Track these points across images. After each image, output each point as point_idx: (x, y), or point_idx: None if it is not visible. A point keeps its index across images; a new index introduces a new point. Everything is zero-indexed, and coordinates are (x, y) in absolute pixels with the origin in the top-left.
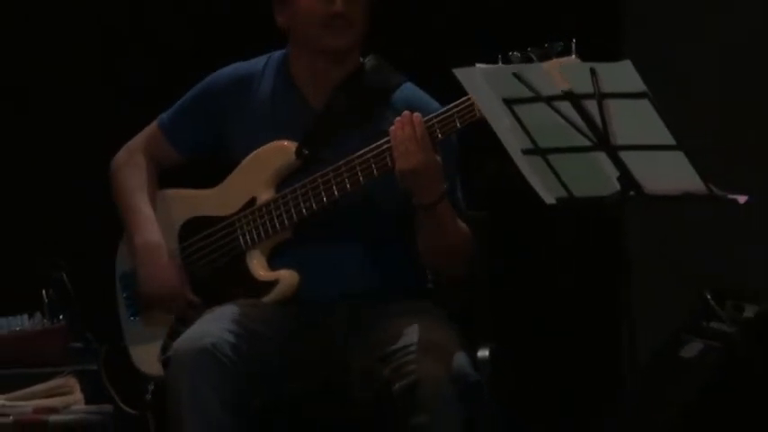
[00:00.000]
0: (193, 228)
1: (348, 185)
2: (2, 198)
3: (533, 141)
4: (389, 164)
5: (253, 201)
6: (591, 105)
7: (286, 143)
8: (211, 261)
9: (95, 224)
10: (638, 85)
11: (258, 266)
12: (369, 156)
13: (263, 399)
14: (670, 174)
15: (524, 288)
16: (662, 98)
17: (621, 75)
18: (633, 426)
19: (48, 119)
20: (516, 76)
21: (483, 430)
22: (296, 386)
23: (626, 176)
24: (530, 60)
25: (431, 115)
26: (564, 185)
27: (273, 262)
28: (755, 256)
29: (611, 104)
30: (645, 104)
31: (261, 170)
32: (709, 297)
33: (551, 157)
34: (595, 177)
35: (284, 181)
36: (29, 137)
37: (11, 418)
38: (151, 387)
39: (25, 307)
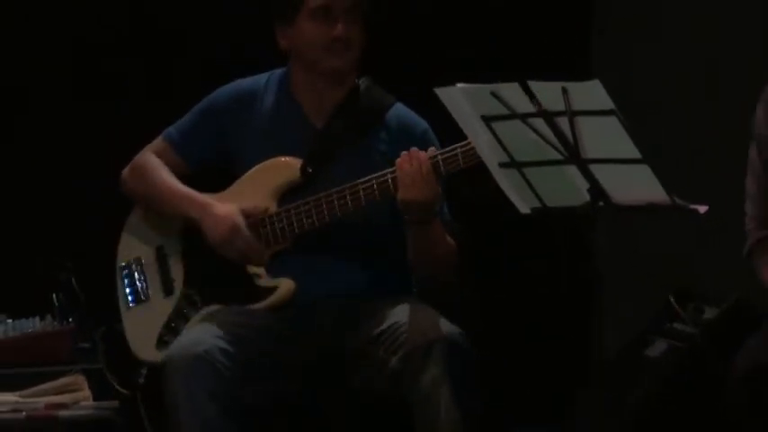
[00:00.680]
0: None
1: (351, 207)
2: (10, 202)
3: (510, 156)
4: (392, 191)
5: None
6: (563, 122)
7: (292, 160)
8: (215, 261)
9: (97, 223)
10: (606, 103)
11: (258, 273)
12: (373, 182)
13: (260, 400)
14: (636, 185)
15: (501, 293)
16: (629, 115)
17: (591, 93)
18: (601, 418)
19: (48, 120)
20: (494, 94)
21: (472, 388)
22: (293, 386)
23: (595, 188)
24: None
25: (438, 152)
26: (538, 197)
27: (269, 268)
28: (715, 262)
29: (582, 121)
30: (613, 121)
31: (266, 182)
32: (672, 300)
33: (526, 171)
34: (567, 189)
35: (285, 195)
36: (29, 138)
37: (24, 413)
38: (144, 371)
39: (37, 310)
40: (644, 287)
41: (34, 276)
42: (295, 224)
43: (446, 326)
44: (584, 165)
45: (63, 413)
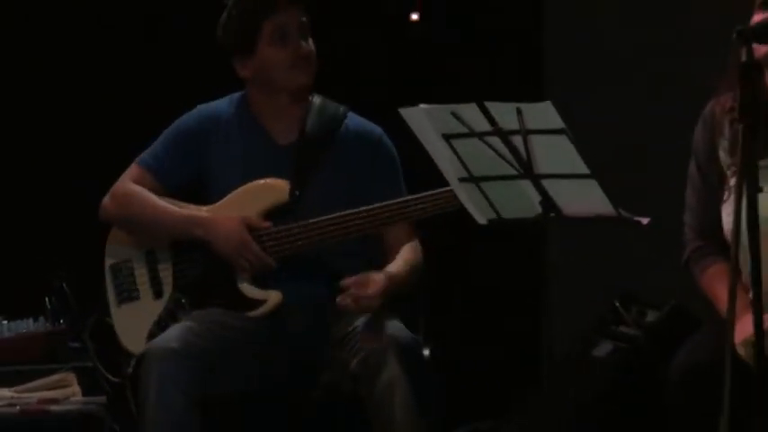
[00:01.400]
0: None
1: (338, 236)
2: (4, 210)
3: (468, 171)
4: (375, 226)
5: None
6: (517, 140)
7: (281, 182)
8: (203, 270)
9: (92, 225)
10: (556, 122)
11: (247, 286)
12: (362, 218)
13: (228, 398)
14: (585, 199)
15: (458, 297)
16: (578, 133)
17: (543, 114)
18: (550, 413)
19: (45, 122)
20: (453, 114)
21: (426, 388)
22: (266, 384)
23: (547, 201)
24: None
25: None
26: (494, 209)
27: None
28: (657, 269)
29: (534, 139)
30: (563, 139)
31: (256, 202)
32: (617, 304)
33: (483, 185)
34: (521, 201)
35: (272, 215)
36: (25, 142)
37: (18, 407)
38: (133, 362)
39: (31, 312)
40: (591, 292)
41: (29, 281)
42: (285, 245)
43: (400, 331)
44: (536, 179)
45: (54, 408)
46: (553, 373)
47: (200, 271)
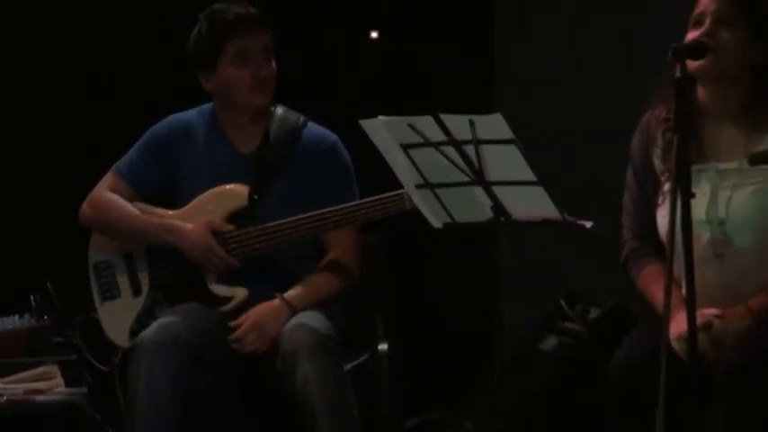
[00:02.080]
0: None
1: (293, 239)
2: None
3: (424, 178)
4: (327, 229)
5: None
6: (469, 149)
7: (241, 187)
8: (175, 272)
9: (75, 227)
10: (506, 133)
11: (215, 284)
12: (316, 221)
13: (210, 385)
14: (532, 204)
15: (415, 296)
16: (527, 142)
17: (494, 125)
18: (500, 402)
19: (33, 124)
20: (410, 126)
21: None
22: (235, 376)
23: (498, 206)
24: None
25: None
26: (449, 213)
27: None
28: (599, 268)
29: (486, 149)
30: (512, 149)
31: (218, 206)
32: (562, 302)
33: (438, 191)
34: (473, 206)
35: (233, 218)
36: (16, 142)
37: (4, 398)
38: (120, 353)
39: (16, 309)
40: (538, 291)
41: (15, 280)
42: (248, 247)
43: (313, 331)
44: (487, 186)
45: (39, 398)
46: (503, 366)
47: (173, 272)
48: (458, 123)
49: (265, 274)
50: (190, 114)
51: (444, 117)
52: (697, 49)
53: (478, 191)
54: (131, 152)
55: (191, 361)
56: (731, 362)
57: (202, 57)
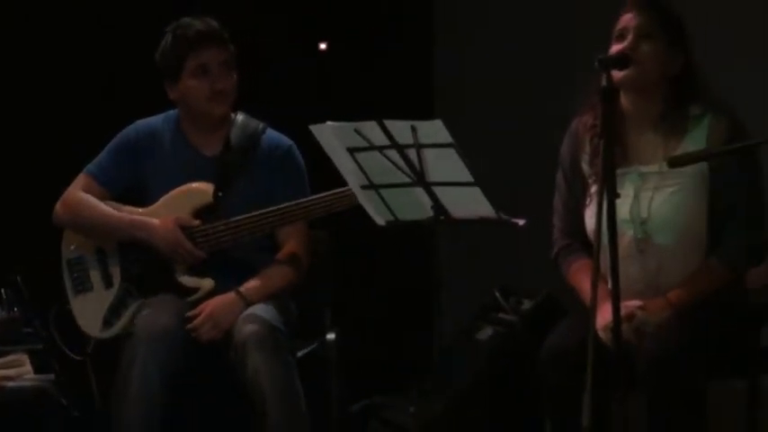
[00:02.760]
0: None
1: (257, 234)
2: None
3: (369, 179)
4: (284, 223)
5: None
6: (411, 153)
7: (206, 185)
8: (145, 265)
9: (47, 224)
10: (446, 137)
11: (183, 276)
12: (275, 216)
13: (189, 370)
14: (470, 204)
15: (361, 288)
16: (465, 146)
17: (434, 130)
18: (440, 387)
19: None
20: (357, 131)
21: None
22: (205, 357)
23: (438, 205)
24: None
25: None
26: (392, 212)
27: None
28: (532, 263)
29: (427, 152)
30: (451, 152)
31: (185, 203)
32: (497, 294)
33: (383, 191)
34: (415, 206)
35: (200, 214)
36: None
37: None
38: (92, 343)
39: None
40: (475, 284)
41: None
42: (214, 240)
43: (263, 323)
44: (428, 187)
45: (10, 384)
46: (442, 354)
47: (143, 265)
48: (400, 128)
49: (230, 266)
50: (156, 120)
51: (388, 123)
52: (621, 61)
53: (420, 191)
54: (101, 155)
55: (176, 349)
56: (652, 350)
57: (166, 69)
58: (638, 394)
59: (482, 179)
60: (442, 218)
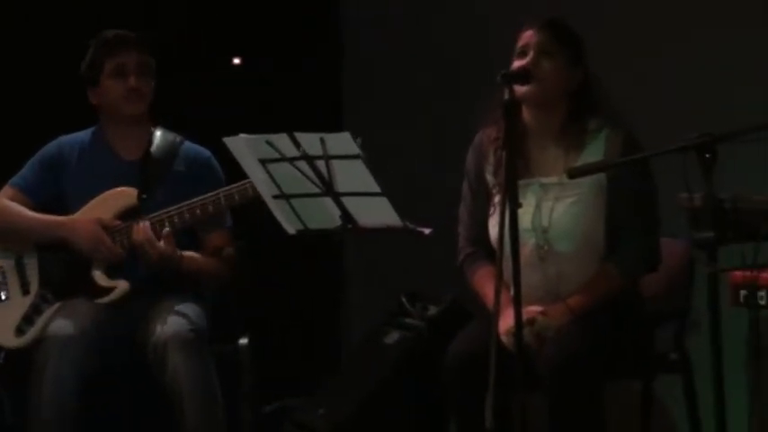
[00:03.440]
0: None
1: (178, 226)
2: None
3: (280, 189)
4: (200, 214)
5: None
6: (321, 164)
7: (130, 189)
8: (65, 264)
9: None
10: (353, 149)
11: (100, 275)
12: (197, 206)
13: (106, 370)
14: (377, 213)
15: (274, 295)
16: (372, 157)
17: (342, 142)
18: (349, 389)
19: None
20: (268, 142)
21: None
22: (121, 358)
23: (346, 215)
24: None
25: (234, 185)
26: (302, 221)
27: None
28: (438, 270)
29: (335, 163)
30: (359, 163)
31: (109, 206)
32: (404, 299)
33: (293, 201)
34: (324, 215)
35: (124, 216)
36: None
37: None
38: (2, 354)
39: None
40: (382, 290)
41: None
42: (130, 239)
43: (182, 324)
44: (336, 197)
45: None
46: (351, 358)
47: (62, 267)
48: (310, 140)
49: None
50: (78, 135)
51: (298, 135)
52: (522, 76)
53: (328, 201)
54: (24, 169)
55: (90, 351)
56: (552, 354)
57: (88, 75)
58: (539, 396)
59: (389, 189)
60: (350, 227)
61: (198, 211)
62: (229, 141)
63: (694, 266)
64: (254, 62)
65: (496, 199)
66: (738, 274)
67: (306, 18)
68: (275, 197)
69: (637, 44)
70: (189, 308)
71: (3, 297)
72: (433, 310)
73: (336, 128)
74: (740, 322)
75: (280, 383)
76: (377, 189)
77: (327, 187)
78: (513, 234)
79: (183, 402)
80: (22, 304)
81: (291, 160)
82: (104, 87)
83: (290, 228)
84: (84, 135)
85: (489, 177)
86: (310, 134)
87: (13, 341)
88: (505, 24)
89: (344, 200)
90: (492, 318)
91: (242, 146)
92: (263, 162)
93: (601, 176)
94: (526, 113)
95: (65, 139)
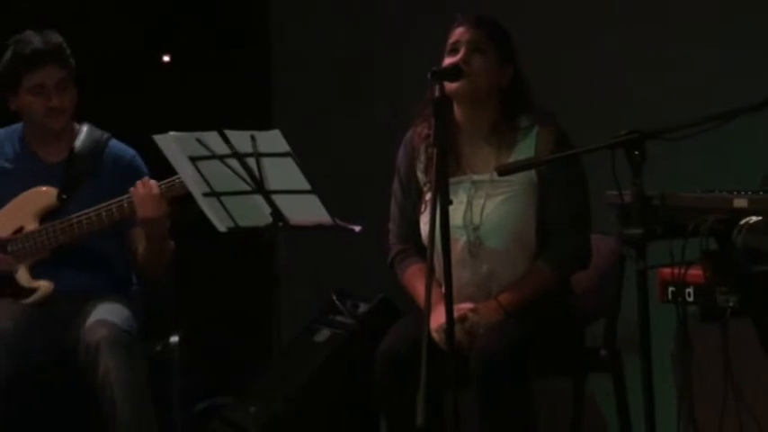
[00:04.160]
0: None
1: (96, 225)
2: None
3: (210, 187)
4: (126, 212)
5: (21, 229)
6: (251, 161)
7: (50, 189)
8: None
9: None
10: (284, 147)
11: (23, 276)
12: (113, 206)
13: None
14: (307, 210)
15: (205, 293)
16: (302, 154)
17: (273, 140)
18: (279, 387)
19: None
20: (198, 140)
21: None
22: (46, 359)
23: (276, 212)
24: None
25: (163, 182)
26: (232, 218)
27: (34, 272)
28: (368, 269)
29: (266, 161)
30: (289, 161)
31: (29, 207)
32: (334, 297)
33: (224, 198)
34: (255, 213)
35: (45, 216)
36: None
37: None
38: None
39: None
40: (314, 288)
41: None
42: (52, 239)
43: (112, 326)
44: (267, 194)
45: None
46: (281, 355)
47: None
48: (240, 138)
49: (76, 262)
50: (0, 132)
51: (228, 132)
52: (454, 73)
53: (259, 199)
54: None
55: (12, 352)
56: (482, 350)
57: (5, 82)
58: (470, 393)
59: (319, 187)
60: (280, 224)
61: (115, 212)
62: (159, 139)
63: (624, 263)
64: (184, 59)
65: (428, 196)
66: (667, 270)
67: (235, 15)
68: (205, 195)
69: (565, 41)
70: (120, 309)
71: None
72: (363, 308)
73: (266, 125)
74: (669, 319)
75: (211, 382)
76: (307, 186)
77: (258, 185)
78: (445, 231)
79: (114, 404)
80: None
81: (222, 158)
82: (24, 101)
83: (221, 225)
84: (5, 134)
85: (420, 174)
86: (241, 132)
87: None
88: (438, 20)
89: (275, 197)
90: (423, 315)
91: (172, 143)
92: (194, 160)
93: (532, 174)
94: (458, 111)
95: None
